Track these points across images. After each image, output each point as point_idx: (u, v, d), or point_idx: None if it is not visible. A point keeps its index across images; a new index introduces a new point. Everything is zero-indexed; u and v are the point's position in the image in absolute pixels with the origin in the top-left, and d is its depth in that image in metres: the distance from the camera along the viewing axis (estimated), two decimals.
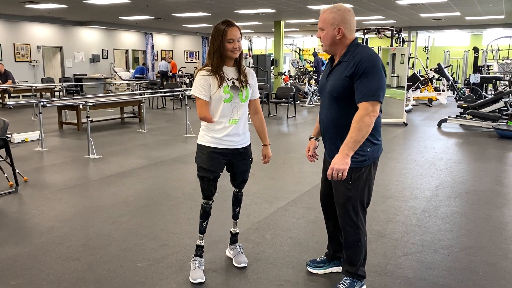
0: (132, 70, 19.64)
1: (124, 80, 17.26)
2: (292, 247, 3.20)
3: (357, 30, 12.85)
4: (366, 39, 13.15)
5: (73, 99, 8.89)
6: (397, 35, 12.80)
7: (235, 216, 2.91)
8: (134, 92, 9.73)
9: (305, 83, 14.44)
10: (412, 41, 15.67)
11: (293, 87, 11.63)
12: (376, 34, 13.24)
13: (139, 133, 8.29)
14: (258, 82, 12.25)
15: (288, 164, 5.84)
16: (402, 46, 13.47)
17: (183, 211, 3.96)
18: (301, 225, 3.62)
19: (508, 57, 13.70)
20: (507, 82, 13.02)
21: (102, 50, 19.41)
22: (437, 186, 4.76)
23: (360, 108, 2.15)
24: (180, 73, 18.70)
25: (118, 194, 4.47)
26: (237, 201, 2.87)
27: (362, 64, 2.14)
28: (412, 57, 14.58)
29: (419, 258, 3.00)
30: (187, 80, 16.52)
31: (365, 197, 2.37)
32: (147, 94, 10.50)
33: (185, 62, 23.28)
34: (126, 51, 20.85)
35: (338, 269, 2.77)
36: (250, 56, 13.93)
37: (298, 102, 13.55)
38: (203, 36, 22.92)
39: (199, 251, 2.76)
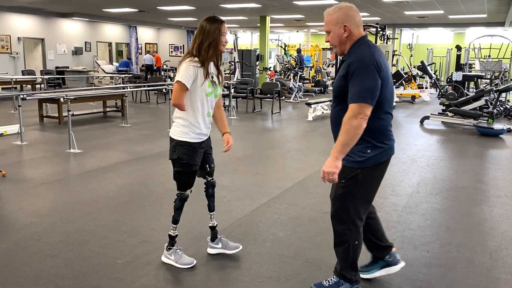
0: (115, 63, 19.36)
1: (107, 73, 17.01)
2: (274, 243, 3.20)
3: None
4: None
5: (54, 92, 8.72)
6: (381, 32, 12.90)
7: (212, 208, 2.95)
8: (117, 85, 9.59)
9: (290, 79, 14.44)
10: (396, 38, 15.83)
11: (278, 82, 11.60)
12: None
13: (122, 128, 8.18)
14: (243, 77, 12.19)
15: (272, 159, 5.83)
16: (386, 43, 13.59)
17: (164, 207, 3.92)
18: (283, 222, 3.62)
19: (489, 56, 13.93)
20: (488, 81, 13.23)
21: (85, 42, 19.08)
22: (419, 183, 4.80)
23: (348, 110, 2.10)
24: (165, 66, 18.51)
25: (99, 189, 4.40)
26: (212, 190, 2.92)
27: (353, 64, 2.10)
28: (396, 54, 14.71)
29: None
30: (172, 74, 16.36)
31: (360, 200, 2.28)
32: (130, 88, 10.35)
33: (170, 55, 23.06)
34: (110, 44, 20.54)
35: (388, 270, 2.63)
36: (235, 51, 13.85)
37: (283, 97, 13.53)
38: (188, 30, 22.71)
39: (174, 241, 2.83)
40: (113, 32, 20.47)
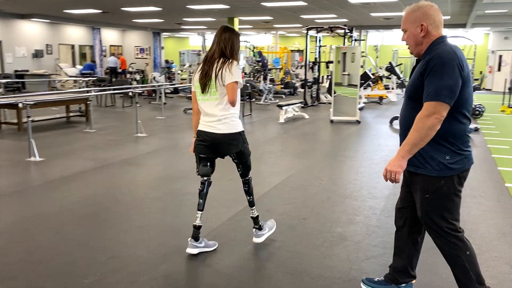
0: (79, 66, 18.73)
1: (70, 76, 16.40)
2: (253, 254, 3.04)
3: (310, 29, 12.92)
4: (319, 37, 13.25)
5: (13, 97, 8.24)
6: (349, 34, 12.99)
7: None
8: (81, 89, 9.20)
9: (260, 81, 14.34)
10: (363, 40, 16.00)
11: (248, 84, 11.47)
12: (328, 32, 13.37)
13: (86, 133, 7.82)
14: None
15: None
16: (354, 45, 13.70)
17: (134, 219, 3.69)
18: None
19: None
20: None
21: (46, 45, 18.34)
22: (394, 185, 4.76)
23: (423, 108, 1.96)
24: (130, 69, 18.05)
25: (62, 201, 4.12)
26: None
27: (433, 61, 1.96)
28: (363, 56, 14.87)
29: (382, 262, 2.93)
30: (138, 77, 15.96)
31: (448, 214, 2.10)
32: (94, 92, 9.96)
33: (136, 58, 22.54)
34: (73, 47, 19.86)
35: None
36: (203, 52, 13.63)
37: (254, 100, 13.42)
38: (154, 31, 22.26)
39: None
40: (76, 34, 19.80)
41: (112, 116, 10.03)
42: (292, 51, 21.06)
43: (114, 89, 10.78)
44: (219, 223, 3.60)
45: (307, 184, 4.71)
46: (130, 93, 7.88)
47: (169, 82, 17.12)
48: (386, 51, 23.61)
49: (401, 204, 2.39)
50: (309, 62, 14.07)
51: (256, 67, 16.09)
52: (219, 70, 2.81)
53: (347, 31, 12.44)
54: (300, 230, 3.47)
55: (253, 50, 18.26)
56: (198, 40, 14.51)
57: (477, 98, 12.72)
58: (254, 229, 3.22)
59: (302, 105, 11.61)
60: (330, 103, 10.93)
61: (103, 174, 5.11)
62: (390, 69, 14.18)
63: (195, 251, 2.97)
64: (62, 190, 4.45)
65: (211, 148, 2.94)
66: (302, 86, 15.82)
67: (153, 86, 12.38)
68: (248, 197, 3.18)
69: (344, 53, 10.15)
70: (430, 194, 2.08)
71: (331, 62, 14.03)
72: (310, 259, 2.96)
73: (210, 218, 3.72)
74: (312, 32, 13.10)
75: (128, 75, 17.29)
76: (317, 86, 13.20)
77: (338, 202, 4.17)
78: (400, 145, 2.20)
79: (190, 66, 19.76)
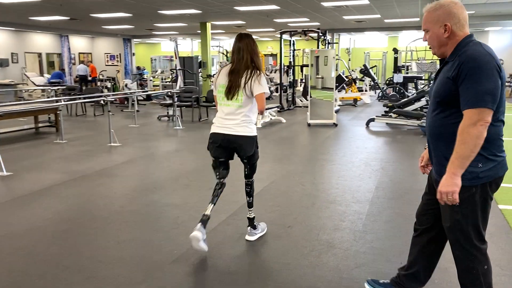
0: (47, 75, 18.15)
1: (38, 86, 15.85)
2: (238, 267, 2.91)
3: (283, 32, 12.91)
4: (293, 41, 13.26)
5: None
6: (322, 37, 13.05)
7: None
8: (50, 99, 8.85)
9: None
10: (337, 43, 16.11)
11: None
12: (301, 36, 13.40)
13: (57, 144, 7.51)
14: (186, 85, 11.71)
15: None
16: (327, 48, 13.78)
17: (111, 234, 3.50)
18: (245, 241, 3.34)
19: (423, 58, 14.57)
20: (425, 81, 13.80)
21: (12, 53, 17.71)
22: (376, 188, 4.73)
23: (464, 117, 1.84)
24: (101, 77, 17.63)
25: (32, 218, 3.88)
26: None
27: (467, 63, 1.83)
28: (336, 59, 14.98)
29: (372, 269, 2.86)
30: (109, 84, 15.58)
31: (480, 223, 1.99)
32: (64, 101, 9.61)
33: (106, 65, 22.06)
34: (40, 55, 19.25)
35: None
36: (176, 58, 13.43)
37: None
38: (124, 38, 21.85)
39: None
40: (43, 42, 19.21)
41: (83, 126, 9.70)
42: (266, 55, 21.05)
43: (84, 98, 10.44)
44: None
45: (289, 190, 4.62)
46: (102, 101, 7.62)
47: (141, 89, 16.79)
48: (358, 54, 23.92)
49: (422, 212, 2.29)
50: (284, 66, 14.07)
51: None
52: (248, 80, 3.06)
53: (320, 34, 12.49)
54: (286, 240, 3.36)
55: (226, 55, 18.14)
56: (170, 46, 14.27)
57: None
58: (248, 228, 3.40)
59: (279, 109, 11.56)
60: (306, 107, 10.92)
61: (76, 187, 4.87)
62: (365, 71, 14.33)
63: (198, 235, 2.97)
64: (33, 206, 4.21)
65: (228, 150, 3.20)
66: (277, 90, 15.80)
67: (125, 93, 12.08)
68: (248, 198, 3.40)
69: (317, 57, 10.18)
70: (461, 202, 1.93)
71: (306, 65, 14.07)
72: (299, 270, 2.85)
73: (191, 230, 3.55)
74: (285, 36, 13.09)
75: (98, 83, 16.88)
76: (292, 89, 13.19)
77: (323, 208, 4.09)
78: (430, 154, 2.09)
79: (162, 72, 19.48)
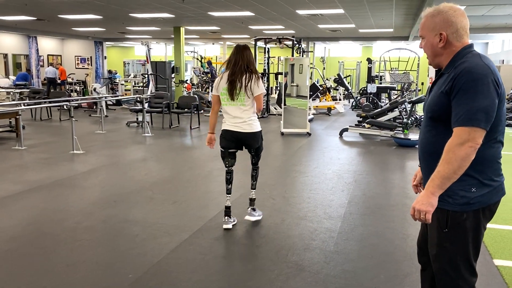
0: (13, 77, 17.43)
1: (2, 88, 15.16)
2: None
3: (258, 40, 12.76)
4: (268, 48, 13.12)
5: None
6: (297, 45, 12.97)
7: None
8: (10, 102, 8.37)
9: (208, 92, 13.96)
10: (311, 51, 16.07)
11: (196, 96, 11.10)
12: (276, 43, 13.28)
13: (15, 151, 7.06)
14: (157, 91, 11.40)
15: (193, 183, 5.29)
16: (302, 56, 13.71)
17: (61, 255, 3.17)
18: (209, 263, 3.08)
19: (396, 68, 14.68)
20: (398, 92, 13.87)
21: None
22: (349, 202, 4.57)
23: (453, 134, 1.68)
24: (70, 80, 17.05)
25: None
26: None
27: (462, 77, 1.66)
28: (311, 67, 14.94)
29: None
30: (78, 88, 15.06)
31: (471, 253, 1.80)
32: (25, 105, 9.13)
33: (76, 68, 21.41)
34: (5, 56, 18.48)
35: None
36: (148, 62, 13.09)
37: (202, 111, 13.02)
38: (96, 40, 21.27)
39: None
40: (9, 43, 18.45)
41: (47, 131, 9.23)
42: None
43: (50, 102, 9.97)
44: (160, 257, 3.17)
45: (259, 205, 4.39)
46: (65, 106, 7.22)
47: (113, 93, 16.33)
48: (332, 63, 24.07)
49: (423, 240, 2.05)
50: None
51: (204, 78, 15.72)
52: (248, 83, 3.61)
53: (295, 42, 12.39)
54: (253, 262, 3.12)
55: (201, 61, 17.88)
56: (143, 50, 13.89)
57: (422, 109, 13.09)
58: (249, 209, 3.96)
59: None
60: (280, 115, 10.76)
61: (30, 199, 4.50)
62: (338, 80, 14.31)
63: (230, 226, 3.71)
64: None
65: (237, 143, 3.77)
66: None
67: (94, 98, 11.64)
68: (252, 181, 3.98)
69: (292, 65, 10.05)
70: (449, 228, 1.78)
71: (280, 73, 13.94)
72: None
73: (150, 251, 3.27)
74: (260, 43, 12.94)
75: (67, 86, 16.30)
76: (267, 97, 13.02)
77: (293, 224, 3.88)
78: (423, 174, 1.92)
79: (135, 76, 19.02)
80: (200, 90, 15.59)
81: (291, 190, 5.03)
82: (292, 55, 12.40)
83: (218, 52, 24.52)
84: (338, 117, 13.04)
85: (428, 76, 21.14)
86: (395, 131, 8.64)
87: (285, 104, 9.78)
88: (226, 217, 3.77)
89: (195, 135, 9.19)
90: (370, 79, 14.31)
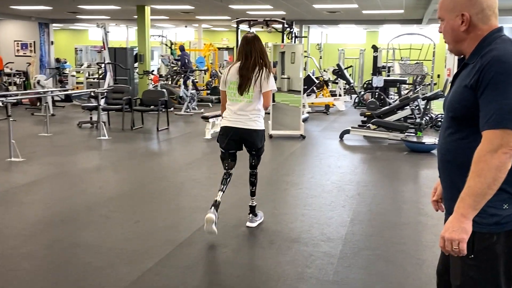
0: None
1: None
2: None
3: (240, 22, 12.76)
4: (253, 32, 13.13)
5: None
6: (288, 29, 13.02)
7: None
8: None
9: (180, 85, 13.90)
10: (306, 36, 16.16)
11: (164, 90, 11.03)
12: (263, 27, 13.31)
13: None
14: (117, 84, 11.35)
15: (160, 197, 5.27)
16: (295, 42, 13.77)
17: None
18: None
19: (407, 58, 14.84)
20: (410, 86, 14.01)
21: None
22: (352, 220, 4.57)
23: (482, 140, 1.65)
24: (8, 70, 16.81)
25: None
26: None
27: (491, 67, 1.63)
28: (305, 56, 15.02)
29: None
30: (18, 80, 14.86)
31: (502, 283, 1.76)
32: None
33: (16, 55, 21.09)
34: None
35: None
36: (105, 49, 12.98)
37: (172, 109, 12.95)
38: (40, 22, 21.03)
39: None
40: None
41: None
42: (219, 48, 20.86)
43: None
44: None
45: (242, 224, 4.38)
46: (1, 103, 7.11)
47: (61, 86, 16.14)
48: (330, 51, 24.23)
49: (444, 268, 2.02)
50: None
51: (175, 67, 15.65)
52: (258, 78, 4.02)
53: (286, 26, 12.44)
54: None
55: (170, 47, 17.81)
56: (99, 34, 13.77)
57: (438, 107, 13.25)
58: (250, 215, 4.33)
59: None
60: (268, 113, 10.77)
61: None
62: (338, 72, 14.41)
63: (212, 216, 3.86)
64: None
65: (239, 142, 4.16)
66: None
67: (38, 92, 11.49)
68: (251, 188, 4.32)
69: (283, 53, 10.07)
70: (475, 254, 1.74)
71: None
72: None
73: (105, 283, 3.21)
74: (243, 26, 12.96)
75: (4, 78, 16.08)
76: None
77: (284, 248, 3.87)
78: (443, 188, 1.90)
79: (89, 66, 18.86)
80: (170, 83, 15.51)
81: (282, 206, 5.03)
82: (282, 41, 12.44)
83: (192, 37, 24.48)
84: (337, 117, 13.12)
85: (445, 67, 21.48)
86: (406, 133, 8.72)
87: (273, 101, 9.78)
88: (212, 208, 3.97)
89: (163, 138, 9.14)
90: (376, 70, 14.42)
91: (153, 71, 15.35)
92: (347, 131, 9.35)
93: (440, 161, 1.90)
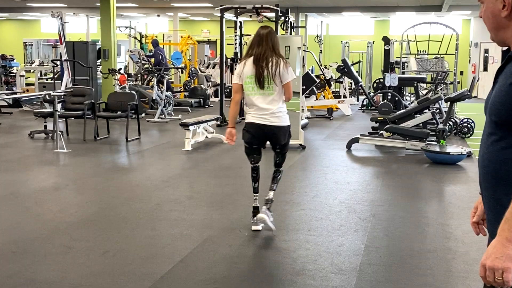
0: None
1: None
2: None
3: (226, 10, 12.79)
4: (240, 22, 13.19)
5: None
6: (283, 18, 13.08)
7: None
8: None
9: (153, 86, 13.87)
10: (303, 27, 16.21)
11: (134, 92, 11.00)
12: (253, 16, 13.36)
13: None
14: (76, 85, 11.29)
15: (133, 222, 5.27)
16: (290, 33, 13.83)
17: None
18: None
19: (426, 52, 14.94)
20: (429, 85, 14.07)
21: None
22: (367, 247, 4.59)
23: None
24: None
25: None
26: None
27: None
28: (303, 50, 15.08)
29: None
30: None
31: None
32: None
33: None
34: None
35: None
36: (61, 43, 12.95)
37: (143, 115, 12.93)
38: None
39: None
40: None
41: None
42: (199, 42, 20.90)
43: None
44: None
45: (234, 254, 4.40)
46: None
47: (7, 89, 16.03)
48: (332, 44, 24.42)
49: None
50: (227, 58, 13.93)
51: (147, 65, 15.65)
52: (276, 69, 4.62)
53: (280, 14, 12.50)
54: None
55: (140, 41, 17.81)
56: (54, 25, 13.74)
57: (463, 110, 13.37)
58: (264, 207, 4.85)
59: (219, 123, 11.43)
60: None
61: None
62: (344, 69, 14.45)
63: (259, 227, 4.87)
64: None
65: (263, 138, 4.82)
66: (217, 94, 15.61)
67: None
68: (273, 183, 4.96)
69: None
70: None
71: None
72: None
73: None
74: (229, 15, 12.99)
75: None
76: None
77: (285, 283, 3.90)
78: (486, 207, 1.91)
79: (41, 64, 18.81)
80: (141, 83, 15.49)
81: (281, 230, 5.03)
82: (276, 32, 12.46)
83: (166, 29, 24.53)
84: (343, 122, 13.19)
85: (469, 62, 21.74)
86: (427, 142, 8.76)
87: None
88: (254, 218, 4.83)
89: (134, 151, 9.17)
90: (388, 67, 14.54)
91: (120, 69, 15.32)
92: (355, 140, 9.40)
93: (481, 175, 1.90)
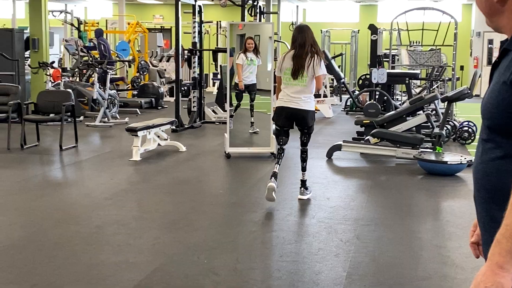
0: None
1: None
2: None
3: None
4: (200, 7, 13.20)
5: None
6: (250, 1, 13.13)
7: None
8: None
9: (93, 84, 13.77)
10: (276, 12, 16.22)
11: (70, 91, 10.90)
12: (214, 0, 13.39)
13: None
14: (0, 83, 11.17)
15: (68, 248, 5.22)
16: (260, 20, 13.88)
17: None
18: None
19: (420, 42, 15.12)
20: (423, 82, 14.23)
21: None
22: (349, 275, 4.62)
23: None
24: None
25: None
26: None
27: None
28: (275, 41, 15.15)
29: None
30: None
31: None
32: None
33: None
34: None
35: None
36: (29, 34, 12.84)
37: (82, 118, 12.82)
38: None
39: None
40: None
41: None
42: (150, 30, 20.84)
43: None
44: None
45: (191, 285, 4.40)
46: None
47: None
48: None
49: None
50: (183, 50, 13.92)
51: (86, 57, 15.55)
52: (310, 64, 6.35)
53: None
54: None
55: (78, 28, 17.68)
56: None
57: (462, 111, 13.55)
58: (301, 188, 6.74)
59: (174, 127, 11.44)
60: (224, 123, 10.78)
61: None
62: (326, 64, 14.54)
63: (274, 185, 6.38)
64: None
65: (291, 120, 6.57)
66: (172, 93, 15.56)
67: None
68: (302, 163, 6.77)
69: (242, 35, 10.14)
70: None
71: (222, 50, 14.04)
72: None
73: None
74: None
75: None
76: (199, 92, 13.05)
77: None
78: (480, 225, 1.95)
79: None
80: (78, 80, 15.36)
81: (247, 257, 5.05)
82: (242, 20, 12.51)
83: (109, 13, 24.40)
84: (322, 126, 13.28)
85: (471, 55, 22.05)
86: (420, 149, 8.85)
87: (231, 105, 9.81)
88: (272, 178, 6.40)
89: (70, 161, 9.14)
90: (376, 61, 14.69)
91: (53, 62, 15.18)
92: (337, 147, 9.45)
93: (475, 190, 1.93)
